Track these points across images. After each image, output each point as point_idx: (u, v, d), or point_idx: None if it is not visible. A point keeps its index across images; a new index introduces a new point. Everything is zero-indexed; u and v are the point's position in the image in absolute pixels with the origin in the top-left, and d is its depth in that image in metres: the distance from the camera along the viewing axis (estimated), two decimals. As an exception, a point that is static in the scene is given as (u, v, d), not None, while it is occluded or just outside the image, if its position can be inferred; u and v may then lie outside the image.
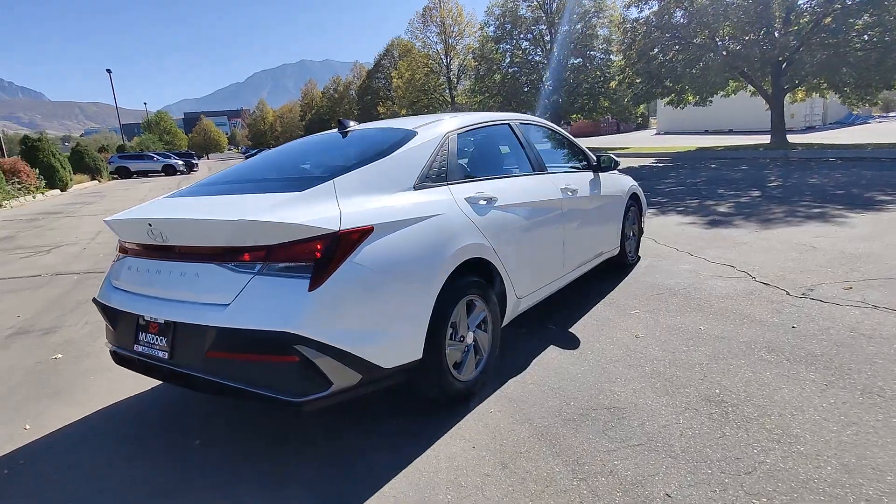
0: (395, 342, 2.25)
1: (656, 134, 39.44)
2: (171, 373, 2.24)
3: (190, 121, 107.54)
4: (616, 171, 4.74)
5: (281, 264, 2.06)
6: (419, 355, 2.35)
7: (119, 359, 2.53)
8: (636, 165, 15.61)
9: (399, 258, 2.27)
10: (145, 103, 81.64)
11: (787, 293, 3.88)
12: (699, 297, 3.95)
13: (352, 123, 3.23)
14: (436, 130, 2.92)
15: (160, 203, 2.64)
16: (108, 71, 51.23)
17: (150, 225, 2.30)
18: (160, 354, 2.26)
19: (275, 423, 2.64)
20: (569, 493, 1.96)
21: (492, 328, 2.88)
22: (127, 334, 2.43)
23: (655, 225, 6.75)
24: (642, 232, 5.27)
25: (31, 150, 23.74)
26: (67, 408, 2.96)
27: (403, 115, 33.00)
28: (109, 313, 2.52)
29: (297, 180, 2.42)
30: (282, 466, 2.26)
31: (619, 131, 47.13)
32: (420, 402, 2.69)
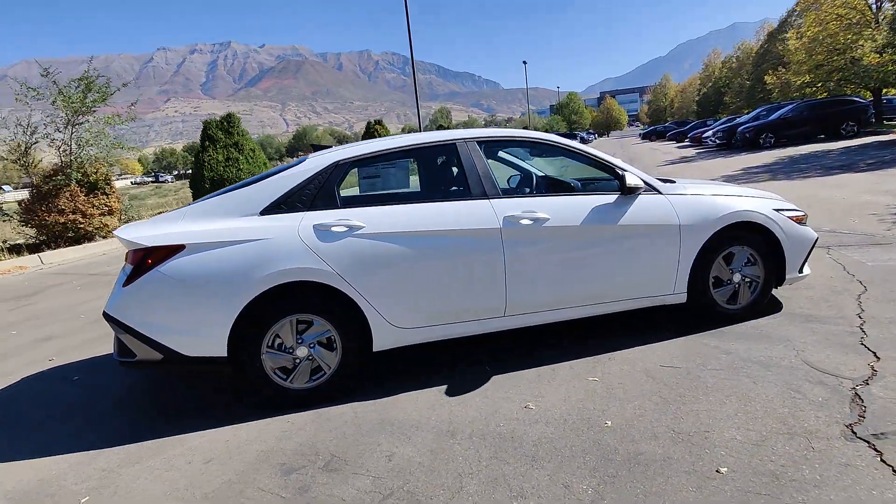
0: (194, 337, 2.84)
1: None
2: None
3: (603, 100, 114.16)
4: (695, 192, 3.50)
5: (128, 266, 2.95)
6: (223, 353, 2.86)
7: None
8: None
9: (205, 272, 2.81)
10: (558, 87, 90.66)
11: (852, 428, 2.26)
12: (704, 389, 2.73)
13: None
14: (323, 160, 3.15)
15: None
16: (524, 63, 59.61)
17: None
18: None
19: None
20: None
21: (341, 349, 3.01)
22: None
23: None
24: (781, 280, 3.62)
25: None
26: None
27: (798, 84, 26.72)
28: None
29: (183, 207, 3.20)
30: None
31: None
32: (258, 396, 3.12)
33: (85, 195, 10.06)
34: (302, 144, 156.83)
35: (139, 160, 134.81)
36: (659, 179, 3.73)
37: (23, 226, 10.04)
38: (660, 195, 3.41)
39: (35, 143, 10.09)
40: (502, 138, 3.48)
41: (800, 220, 3.66)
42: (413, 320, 3.09)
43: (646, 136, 49.57)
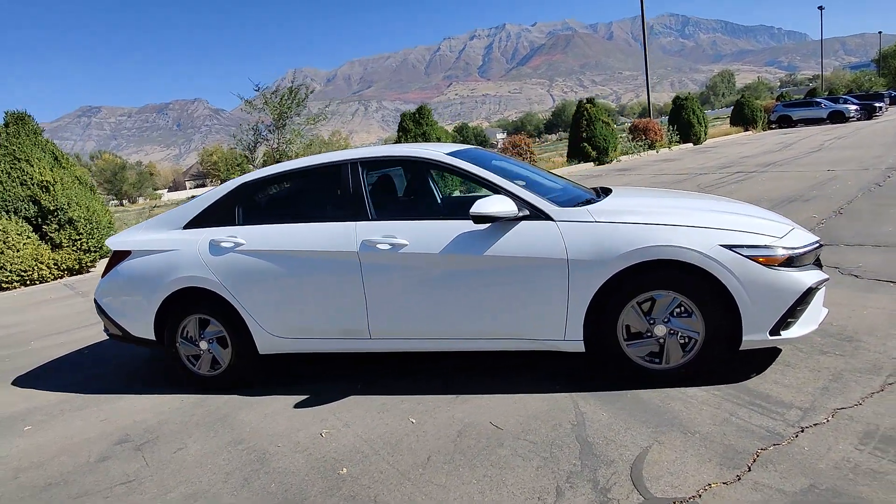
0: (134, 321, 3.65)
1: None
2: None
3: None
4: (610, 219, 2.81)
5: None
6: (153, 337, 3.62)
7: None
8: None
9: (138, 274, 3.59)
10: (880, 32, 70.64)
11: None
12: (480, 460, 2.33)
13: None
14: (234, 181, 3.57)
15: None
16: (820, 8, 48.32)
17: None
18: None
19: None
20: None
21: (232, 347, 3.47)
22: None
23: None
24: (738, 342, 2.65)
25: (678, 109, 27.63)
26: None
27: None
28: None
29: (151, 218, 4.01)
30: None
31: None
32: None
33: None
34: (560, 121, 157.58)
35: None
36: (596, 190, 3.10)
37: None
38: (549, 222, 2.86)
39: (258, 142, 13.12)
40: (375, 158, 3.37)
41: (772, 263, 2.60)
42: (287, 331, 3.34)
43: None
